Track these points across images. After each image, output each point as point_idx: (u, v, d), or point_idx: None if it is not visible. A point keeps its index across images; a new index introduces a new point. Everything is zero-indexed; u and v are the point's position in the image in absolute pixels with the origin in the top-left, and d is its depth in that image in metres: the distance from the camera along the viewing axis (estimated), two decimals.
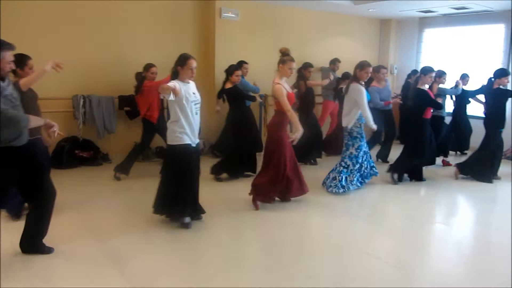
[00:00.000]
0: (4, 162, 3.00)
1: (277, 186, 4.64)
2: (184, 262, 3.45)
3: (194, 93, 3.99)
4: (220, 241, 3.90)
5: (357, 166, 5.34)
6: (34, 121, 3.11)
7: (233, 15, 7.50)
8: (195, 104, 3.97)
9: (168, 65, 4.15)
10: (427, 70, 5.62)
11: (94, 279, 3.08)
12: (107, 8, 6.61)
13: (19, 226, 3.53)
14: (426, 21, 9.41)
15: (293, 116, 4.43)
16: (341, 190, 5.23)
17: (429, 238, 4.29)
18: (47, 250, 3.44)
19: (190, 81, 4.04)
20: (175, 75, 3.95)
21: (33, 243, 3.42)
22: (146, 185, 5.18)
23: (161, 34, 7.11)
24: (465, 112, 7.45)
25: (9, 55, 2.95)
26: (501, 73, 5.86)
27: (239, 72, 5.86)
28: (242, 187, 5.12)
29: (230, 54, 6.96)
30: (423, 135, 5.64)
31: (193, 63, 3.92)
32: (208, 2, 7.43)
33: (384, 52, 9.94)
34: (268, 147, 4.68)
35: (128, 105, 6.78)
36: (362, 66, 5.18)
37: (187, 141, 3.94)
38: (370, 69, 5.25)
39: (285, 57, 4.52)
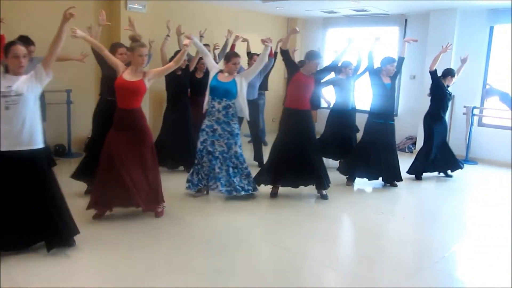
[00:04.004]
0: None
1: None
2: (91, 265, 3.27)
3: (10, 86, 3.17)
4: (124, 241, 3.75)
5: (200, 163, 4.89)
6: None
7: (139, 7, 7.23)
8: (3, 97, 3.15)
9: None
10: (312, 56, 4.94)
11: None
12: None
13: None
14: (329, 21, 9.87)
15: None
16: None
17: (334, 230, 4.53)
18: None
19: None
20: None
21: None
22: None
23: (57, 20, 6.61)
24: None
25: None
26: (387, 62, 5.69)
27: None
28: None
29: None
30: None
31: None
32: None
33: (291, 49, 10.24)
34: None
35: None
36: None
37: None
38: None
39: (134, 43, 4.09)
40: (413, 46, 8.49)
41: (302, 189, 5.25)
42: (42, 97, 6.40)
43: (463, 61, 6.34)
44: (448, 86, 6.24)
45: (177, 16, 7.85)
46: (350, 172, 5.85)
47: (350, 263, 3.66)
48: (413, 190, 5.95)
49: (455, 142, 8.04)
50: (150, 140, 4.16)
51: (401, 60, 5.84)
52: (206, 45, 6.85)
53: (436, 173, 6.61)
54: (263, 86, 7.43)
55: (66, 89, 6.63)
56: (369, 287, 3.18)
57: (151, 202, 4.22)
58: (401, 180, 5.93)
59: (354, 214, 4.96)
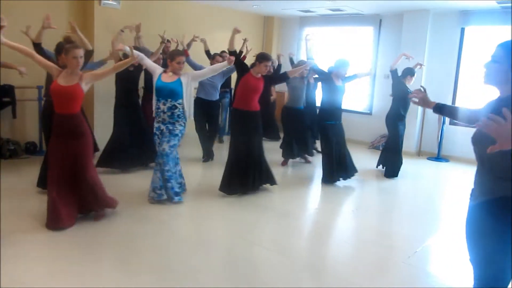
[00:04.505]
0: None
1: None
2: (62, 264, 3.20)
3: None
4: (98, 240, 3.69)
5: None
6: None
7: (114, 3, 7.10)
8: None
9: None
10: (262, 58, 4.97)
11: None
12: None
13: None
14: (306, 20, 9.93)
15: None
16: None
17: (311, 225, 4.57)
18: None
19: None
20: None
21: None
22: None
23: (29, 18, 6.44)
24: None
25: None
26: (340, 65, 5.69)
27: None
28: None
29: (110, 43, 6.58)
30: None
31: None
32: None
33: (268, 48, 10.28)
34: None
35: None
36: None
37: None
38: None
39: (68, 45, 3.88)
40: (387, 46, 8.67)
41: (270, 187, 5.30)
42: (13, 94, 6.27)
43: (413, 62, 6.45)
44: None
45: (152, 13, 7.78)
46: (332, 179, 5.81)
47: (324, 259, 3.69)
48: (385, 187, 6.05)
49: (428, 140, 8.23)
50: (90, 145, 4.00)
51: (355, 76, 5.88)
52: (167, 41, 6.90)
53: (380, 167, 6.71)
54: (226, 84, 7.54)
55: (37, 85, 6.47)
56: (342, 282, 3.21)
57: (91, 206, 4.07)
58: (357, 171, 6.00)
59: (328, 211, 5.00)
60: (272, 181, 5.28)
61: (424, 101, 2.62)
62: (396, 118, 6.36)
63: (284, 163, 6.71)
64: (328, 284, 3.19)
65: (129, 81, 5.73)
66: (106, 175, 5.45)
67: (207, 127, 6.67)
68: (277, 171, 6.33)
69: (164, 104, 4.47)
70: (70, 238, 3.67)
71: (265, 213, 4.67)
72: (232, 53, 5.04)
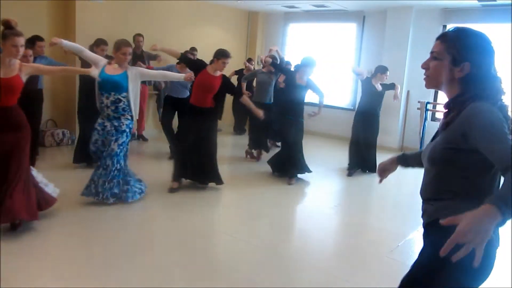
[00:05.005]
0: None
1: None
2: (33, 264, 3.17)
3: None
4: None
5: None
6: None
7: None
8: None
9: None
10: (219, 55, 4.84)
11: None
12: None
13: None
14: (290, 16, 9.94)
15: None
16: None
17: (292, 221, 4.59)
18: None
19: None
20: None
21: None
22: None
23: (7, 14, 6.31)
24: None
25: None
26: (306, 63, 5.63)
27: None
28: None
29: (93, 39, 6.50)
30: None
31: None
32: None
33: (252, 43, 10.27)
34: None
35: None
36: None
37: None
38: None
39: (7, 30, 3.45)
40: (370, 43, 8.74)
41: (252, 183, 5.29)
42: None
43: (369, 72, 6.42)
44: (382, 83, 6.25)
45: (135, 7, 7.70)
46: (303, 170, 5.77)
47: (306, 254, 3.71)
48: (366, 182, 6.11)
49: (410, 135, 8.33)
50: (28, 140, 3.64)
51: (320, 94, 5.73)
52: (139, 34, 7.08)
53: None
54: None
55: None
56: (324, 276, 3.25)
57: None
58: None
59: (308, 207, 5.04)
60: (218, 181, 5.10)
61: (384, 169, 2.14)
62: (364, 114, 6.31)
63: (258, 158, 6.73)
64: (310, 278, 3.22)
65: (92, 81, 5.43)
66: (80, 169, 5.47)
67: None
68: (253, 166, 6.33)
69: (108, 98, 4.20)
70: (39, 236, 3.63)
71: (241, 210, 4.68)
72: (182, 59, 5.04)
